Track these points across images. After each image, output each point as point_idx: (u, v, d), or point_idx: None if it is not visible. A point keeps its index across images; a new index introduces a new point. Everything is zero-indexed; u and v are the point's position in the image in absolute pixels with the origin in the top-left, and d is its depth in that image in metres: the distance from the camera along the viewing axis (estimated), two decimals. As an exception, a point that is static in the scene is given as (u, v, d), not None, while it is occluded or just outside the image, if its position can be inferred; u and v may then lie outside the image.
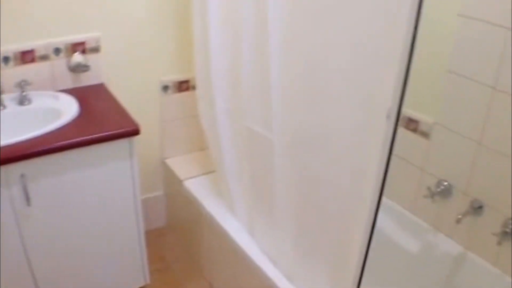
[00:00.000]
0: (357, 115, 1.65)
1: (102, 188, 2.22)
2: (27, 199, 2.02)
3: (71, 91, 2.45)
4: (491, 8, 2.09)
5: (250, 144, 2.28)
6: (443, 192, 2.41)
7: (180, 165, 2.96)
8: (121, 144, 2.16)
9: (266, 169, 2.17)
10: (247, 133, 2.25)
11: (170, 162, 2.99)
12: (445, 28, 2.27)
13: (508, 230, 2.18)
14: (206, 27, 2.26)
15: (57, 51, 2.46)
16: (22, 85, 2.28)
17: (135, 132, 2.15)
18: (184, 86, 2.86)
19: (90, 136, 2.07)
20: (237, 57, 2.18)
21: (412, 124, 2.48)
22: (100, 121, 2.20)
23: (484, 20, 2.11)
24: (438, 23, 2.30)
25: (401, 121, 2.53)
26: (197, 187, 2.76)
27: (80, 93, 2.44)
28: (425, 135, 2.45)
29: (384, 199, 2.63)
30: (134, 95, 2.72)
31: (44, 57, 2.44)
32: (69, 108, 2.25)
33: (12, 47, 2.33)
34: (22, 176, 1.98)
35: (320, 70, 1.78)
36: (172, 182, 2.97)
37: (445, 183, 2.40)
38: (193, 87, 2.79)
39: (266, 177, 2.18)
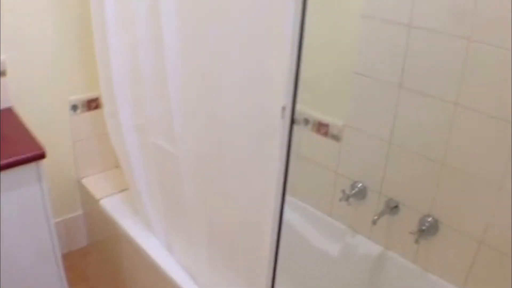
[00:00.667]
0: (254, 120, 1.65)
1: (12, 214, 2.12)
2: None
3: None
4: (393, 8, 2.12)
5: (158, 160, 2.24)
6: (358, 193, 2.43)
7: (96, 184, 2.89)
8: (28, 169, 2.07)
9: (175, 184, 2.14)
10: (154, 149, 2.21)
11: (86, 181, 2.91)
12: (350, 30, 2.30)
13: (424, 227, 2.22)
14: (106, 45, 2.21)
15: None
16: None
17: (41, 156, 2.07)
18: (93, 104, 2.79)
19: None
20: (137, 73, 2.15)
21: (323, 128, 2.50)
22: (5, 148, 2.10)
23: (386, 19, 2.14)
24: (342, 25, 2.32)
25: (312, 125, 2.55)
26: (114, 206, 2.69)
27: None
28: (336, 138, 2.46)
29: (301, 204, 2.69)
30: (44, 117, 2.63)
31: None
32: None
33: None
34: None
35: (214, 80, 1.78)
36: (89, 202, 2.89)
37: (359, 185, 2.42)
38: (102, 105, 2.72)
39: (176, 192, 2.15)
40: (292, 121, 1.44)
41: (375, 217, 2.29)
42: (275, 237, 1.61)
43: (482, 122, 1.97)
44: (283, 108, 1.43)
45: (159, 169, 2.27)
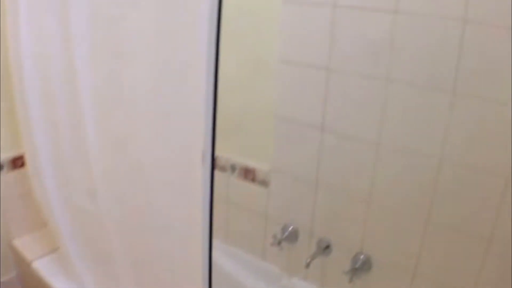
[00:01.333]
0: (176, 170, 1.65)
1: None
2: None
3: None
4: (310, 51, 2.15)
5: (83, 220, 2.21)
6: (289, 236, 2.43)
7: (28, 245, 2.79)
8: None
9: (102, 242, 2.11)
10: (77, 208, 2.18)
11: (17, 242, 2.82)
12: (268, 73, 2.31)
13: (357, 266, 2.22)
14: (25, 102, 2.19)
15: None
16: None
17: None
18: (19, 162, 2.72)
19: None
20: (56, 132, 2.13)
21: (250, 174, 2.50)
22: None
23: (304, 63, 2.17)
24: (260, 68, 2.34)
25: (239, 171, 2.55)
26: (46, 267, 2.61)
27: None
28: (264, 183, 2.47)
29: (234, 250, 2.67)
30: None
31: None
32: None
33: None
34: None
35: (131, 137, 1.78)
36: (21, 264, 2.79)
37: (290, 228, 2.43)
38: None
39: (104, 250, 2.12)
40: (213, 166, 1.43)
41: (308, 260, 2.29)
42: (206, 285, 1.58)
43: (404, 160, 2.02)
44: (203, 153, 1.43)
45: (85, 228, 2.24)
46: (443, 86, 1.85)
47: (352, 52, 2.06)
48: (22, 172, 2.73)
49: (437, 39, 1.85)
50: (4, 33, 2.22)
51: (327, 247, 2.33)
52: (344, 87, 2.10)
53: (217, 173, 2.44)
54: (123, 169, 1.87)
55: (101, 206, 1.99)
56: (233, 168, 2.57)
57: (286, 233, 2.43)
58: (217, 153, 1.59)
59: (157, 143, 1.69)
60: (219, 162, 2.59)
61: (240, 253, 2.67)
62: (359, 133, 2.11)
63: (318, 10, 2.10)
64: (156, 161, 1.72)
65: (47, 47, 2.03)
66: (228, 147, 2.51)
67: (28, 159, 2.43)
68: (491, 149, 1.82)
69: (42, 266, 2.63)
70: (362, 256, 2.23)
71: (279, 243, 2.42)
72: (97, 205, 2.00)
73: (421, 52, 1.89)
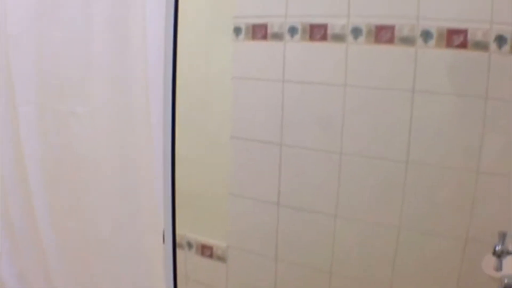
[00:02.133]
0: (136, 251, 1.64)
1: None
2: None
3: None
4: (261, 127, 2.18)
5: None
6: (251, 314, 2.35)
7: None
8: None
9: None
10: None
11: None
12: (222, 150, 2.30)
13: None
14: None
15: None
16: None
17: None
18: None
19: None
20: (8, 213, 2.06)
21: (207, 251, 2.44)
22: None
23: (256, 139, 2.18)
24: (213, 144, 2.33)
25: (196, 248, 2.50)
26: None
27: None
28: (222, 259, 2.41)
29: None
30: None
31: None
32: None
33: None
34: None
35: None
36: None
37: (250, 304, 2.35)
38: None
39: None
40: (175, 244, 1.40)
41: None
42: None
43: (363, 231, 2.03)
44: (163, 232, 1.40)
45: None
46: (396, 156, 1.88)
47: (303, 127, 2.08)
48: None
49: (387, 110, 1.90)
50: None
51: (288, 323, 2.26)
52: (298, 161, 2.11)
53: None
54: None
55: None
56: (189, 245, 2.50)
57: (247, 310, 2.36)
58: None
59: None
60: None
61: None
62: (315, 205, 2.10)
63: (268, 84, 2.13)
64: (115, 244, 1.69)
65: None
66: (183, 224, 2.45)
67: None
68: (446, 212, 1.85)
69: None
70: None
71: (240, 321, 2.34)
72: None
73: (372, 123, 1.93)
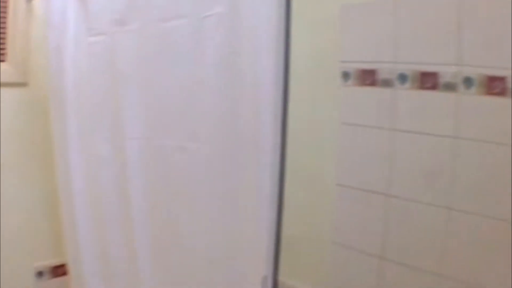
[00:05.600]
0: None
1: None
2: None
3: None
4: (369, 176, 2.08)
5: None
6: None
7: None
8: None
9: None
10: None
11: None
12: (328, 198, 2.24)
13: None
14: (73, 216, 2.18)
15: None
16: None
17: None
18: (60, 271, 2.65)
19: None
20: (106, 250, 2.10)
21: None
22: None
23: (361, 188, 2.09)
24: (319, 192, 2.27)
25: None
26: None
27: None
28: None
29: None
30: (7, 283, 2.46)
31: None
32: None
33: None
34: None
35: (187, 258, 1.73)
36: None
37: None
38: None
39: None
40: None
41: None
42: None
43: None
44: (264, 278, 1.37)
45: None
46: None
47: (411, 178, 1.98)
48: (62, 281, 2.66)
49: (499, 164, 1.77)
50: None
51: None
52: (404, 214, 2.01)
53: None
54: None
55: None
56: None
57: None
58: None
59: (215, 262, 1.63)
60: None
61: None
62: (421, 263, 1.99)
63: (375, 132, 2.06)
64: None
65: (99, 172, 2.06)
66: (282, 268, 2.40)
67: (71, 270, 2.37)
68: None
69: None
70: None
71: None
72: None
73: (482, 178, 1.81)
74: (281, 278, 2.37)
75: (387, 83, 2.06)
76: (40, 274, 2.61)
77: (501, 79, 1.76)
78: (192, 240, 1.70)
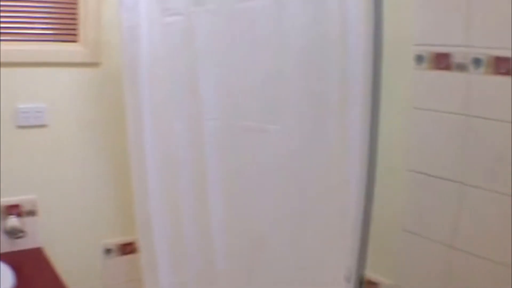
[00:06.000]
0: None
1: None
2: None
3: (5, 257, 2.24)
4: (438, 162, 2.04)
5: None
6: None
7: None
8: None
9: None
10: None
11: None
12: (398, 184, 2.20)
13: None
14: (146, 200, 2.20)
15: (-11, 214, 2.31)
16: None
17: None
18: (128, 248, 2.70)
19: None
20: (179, 228, 2.10)
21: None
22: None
23: (432, 175, 2.05)
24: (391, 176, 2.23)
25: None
26: None
27: (15, 259, 2.23)
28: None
29: None
30: (75, 259, 2.53)
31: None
32: (3, 280, 2.03)
33: None
34: None
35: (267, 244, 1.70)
36: None
37: None
38: (138, 249, 2.63)
39: None
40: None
41: None
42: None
43: None
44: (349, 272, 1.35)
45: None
46: None
47: (484, 165, 1.93)
48: (129, 259, 2.70)
49: None
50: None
51: None
52: (478, 203, 1.96)
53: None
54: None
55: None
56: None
57: None
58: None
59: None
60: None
61: None
62: (494, 255, 1.92)
63: (449, 117, 2.01)
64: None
65: (173, 151, 2.07)
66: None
67: (142, 250, 2.40)
68: None
69: None
70: None
71: None
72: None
73: None
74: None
75: (461, 67, 2.00)
76: (108, 251, 2.66)
77: None
78: (270, 224, 1.69)
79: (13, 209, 2.38)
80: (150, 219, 2.20)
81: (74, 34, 2.44)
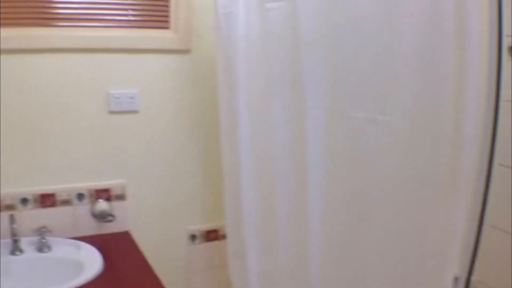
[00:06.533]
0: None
1: None
2: None
3: (93, 240, 2.29)
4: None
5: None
6: None
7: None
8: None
9: None
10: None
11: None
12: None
13: None
14: (238, 187, 2.18)
15: (80, 196, 2.37)
16: (41, 231, 2.18)
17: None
18: (212, 235, 2.71)
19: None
20: (271, 215, 2.07)
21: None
22: (125, 284, 2.00)
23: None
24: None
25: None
26: None
27: (103, 243, 2.28)
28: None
29: None
30: (160, 244, 2.56)
31: (66, 202, 2.35)
32: (91, 262, 2.07)
33: (31, 189, 2.28)
34: None
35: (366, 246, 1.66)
36: None
37: None
38: (223, 237, 2.64)
39: None
40: None
41: None
42: None
43: None
44: (455, 279, 1.29)
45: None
46: None
47: None
48: (213, 246, 2.72)
49: None
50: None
51: None
52: None
53: None
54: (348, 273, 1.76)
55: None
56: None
57: None
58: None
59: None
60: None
61: None
62: None
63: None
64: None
65: (271, 140, 2.04)
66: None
67: (229, 237, 2.39)
68: None
69: None
70: None
71: None
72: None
73: None
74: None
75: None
76: (193, 237, 2.67)
77: None
78: (375, 222, 1.64)
79: (103, 193, 2.42)
80: (240, 207, 2.19)
81: (166, 21, 2.45)
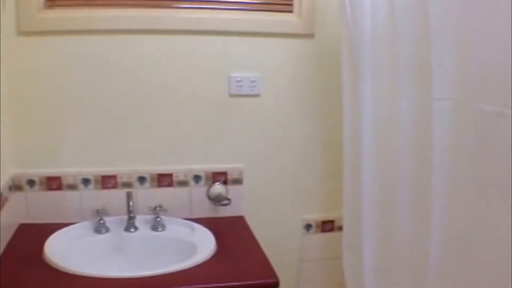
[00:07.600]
0: None
1: None
2: None
3: (207, 222, 2.32)
4: None
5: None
6: None
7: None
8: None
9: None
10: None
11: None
12: None
13: None
14: (359, 182, 2.12)
15: (196, 178, 2.41)
16: (157, 210, 2.24)
17: (274, 285, 1.91)
18: (328, 226, 2.65)
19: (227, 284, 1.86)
20: (390, 209, 2.00)
21: None
22: (237, 267, 1.99)
23: None
24: None
25: None
26: None
27: (217, 226, 2.29)
28: None
29: None
30: (274, 232, 2.54)
31: (183, 183, 2.40)
32: (205, 244, 2.09)
33: (148, 168, 2.34)
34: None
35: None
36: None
37: None
38: (338, 228, 2.57)
39: None
40: None
41: None
42: None
43: None
44: None
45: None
46: None
47: None
48: (328, 237, 2.67)
49: None
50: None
51: None
52: None
53: None
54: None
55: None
56: None
57: None
58: None
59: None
60: None
61: None
62: None
63: None
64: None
65: (393, 130, 1.97)
66: None
67: (345, 230, 2.34)
68: None
69: None
70: None
71: None
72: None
73: None
74: None
75: None
76: (308, 226, 2.63)
77: None
78: (499, 223, 1.52)
79: (220, 176, 2.44)
80: (359, 199, 2.12)
81: (290, 5, 2.40)
